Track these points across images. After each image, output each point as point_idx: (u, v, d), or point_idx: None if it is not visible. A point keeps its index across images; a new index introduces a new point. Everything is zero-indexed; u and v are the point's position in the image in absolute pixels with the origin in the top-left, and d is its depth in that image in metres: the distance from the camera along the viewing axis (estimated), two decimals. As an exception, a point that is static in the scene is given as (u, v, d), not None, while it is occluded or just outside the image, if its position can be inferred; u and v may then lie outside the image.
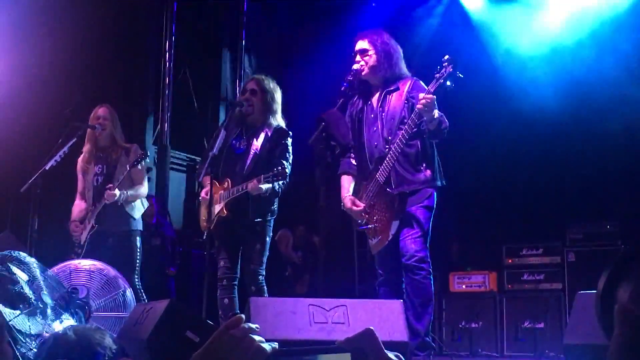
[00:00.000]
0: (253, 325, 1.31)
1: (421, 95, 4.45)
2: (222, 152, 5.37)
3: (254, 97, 5.44)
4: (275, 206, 5.48)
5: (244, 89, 5.58)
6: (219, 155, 5.34)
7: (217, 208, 5.39)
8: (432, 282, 4.64)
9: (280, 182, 5.18)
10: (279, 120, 5.48)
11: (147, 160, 6.01)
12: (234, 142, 5.46)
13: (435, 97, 4.43)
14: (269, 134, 5.38)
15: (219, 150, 5.28)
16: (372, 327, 1.30)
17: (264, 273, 5.39)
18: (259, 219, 5.36)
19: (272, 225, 5.49)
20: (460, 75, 4.46)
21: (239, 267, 5.46)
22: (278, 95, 5.54)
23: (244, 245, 5.43)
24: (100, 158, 6.15)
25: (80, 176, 6.22)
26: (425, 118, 4.48)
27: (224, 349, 1.25)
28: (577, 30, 8.08)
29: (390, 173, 4.66)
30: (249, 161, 5.37)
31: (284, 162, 5.21)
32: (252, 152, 5.38)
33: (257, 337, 1.29)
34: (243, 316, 1.36)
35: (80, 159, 6.22)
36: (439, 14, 9.15)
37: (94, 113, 6.17)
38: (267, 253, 5.42)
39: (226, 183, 5.40)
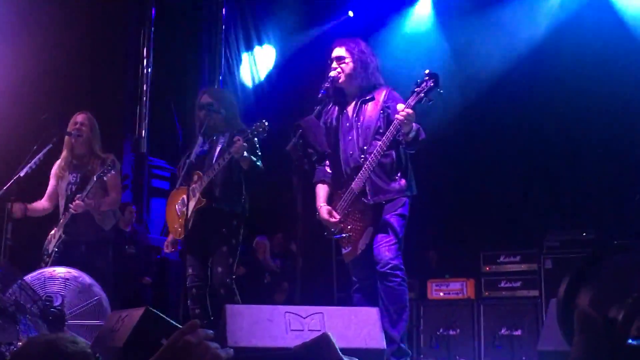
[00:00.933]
0: (209, 331, 1.30)
1: (400, 106, 4.45)
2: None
3: (209, 111, 5.50)
4: (245, 203, 5.49)
5: (199, 104, 5.60)
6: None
7: (191, 205, 5.40)
8: (406, 288, 4.65)
9: (259, 163, 5.24)
10: (239, 124, 5.54)
11: (113, 171, 5.85)
12: (199, 147, 5.50)
13: (414, 111, 4.43)
14: (234, 133, 5.40)
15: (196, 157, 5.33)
16: (328, 333, 1.29)
17: (232, 276, 5.38)
18: (227, 209, 5.38)
19: (241, 230, 5.49)
20: (441, 90, 4.48)
21: (208, 275, 5.44)
22: (233, 101, 5.74)
23: (211, 250, 5.43)
24: (76, 166, 6.03)
25: (52, 180, 6.13)
26: (403, 130, 4.49)
27: (178, 354, 1.24)
28: (560, 36, 8.14)
29: (366, 183, 4.66)
30: (216, 154, 5.44)
31: (254, 157, 5.27)
32: (218, 147, 5.47)
33: (213, 344, 1.28)
34: (197, 321, 1.34)
35: (56, 164, 6.13)
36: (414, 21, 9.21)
37: (73, 119, 6.08)
38: (236, 257, 5.42)
39: (196, 176, 5.41)
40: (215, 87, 5.65)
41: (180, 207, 5.51)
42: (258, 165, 5.31)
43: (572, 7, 8.20)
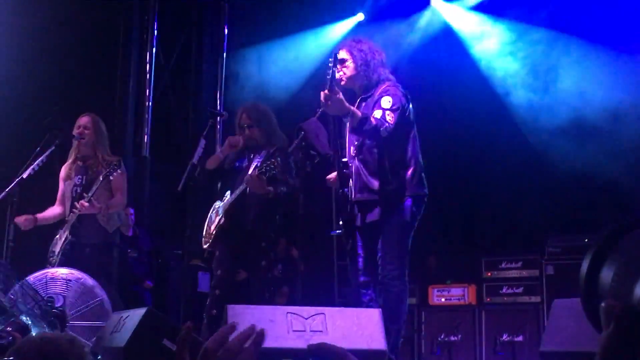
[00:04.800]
0: (232, 324, 1.27)
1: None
2: (221, 168, 5.45)
3: (250, 130, 5.45)
4: (278, 219, 5.42)
5: (239, 124, 5.54)
6: (220, 173, 5.43)
7: (216, 221, 5.40)
8: (405, 298, 4.60)
9: (283, 188, 5.14)
10: (279, 138, 5.47)
11: (119, 170, 5.83)
12: (237, 162, 5.47)
13: (328, 92, 4.33)
14: (271, 151, 5.36)
15: (199, 159, 5.30)
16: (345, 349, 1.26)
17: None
18: (258, 228, 5.32)
19: (276, 242, 5.47)
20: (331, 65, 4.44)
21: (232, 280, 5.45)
22: (271, 116, 5.55)
23: (248, 263, 5.40)
24: (81, 168, 6.03)
25: (60, 184, 6.12)
26: (330, 112, 4.46)
27: None
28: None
29: (353, 179, 4.64)
30: (250, 172, 5.35)
31: (287, 175, 5.17)
32: (253, 165, 5.35)
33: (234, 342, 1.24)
34: (190, 323, 1.31)
35: (63, 167, 6.14)
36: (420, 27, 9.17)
37: (77, 122, 6.08)
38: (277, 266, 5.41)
39: (227, 195, 5.42)
40: (251, 103, 5.58)
41: (214, 215, 5.51)
42: (281, 191, 5.19)
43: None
